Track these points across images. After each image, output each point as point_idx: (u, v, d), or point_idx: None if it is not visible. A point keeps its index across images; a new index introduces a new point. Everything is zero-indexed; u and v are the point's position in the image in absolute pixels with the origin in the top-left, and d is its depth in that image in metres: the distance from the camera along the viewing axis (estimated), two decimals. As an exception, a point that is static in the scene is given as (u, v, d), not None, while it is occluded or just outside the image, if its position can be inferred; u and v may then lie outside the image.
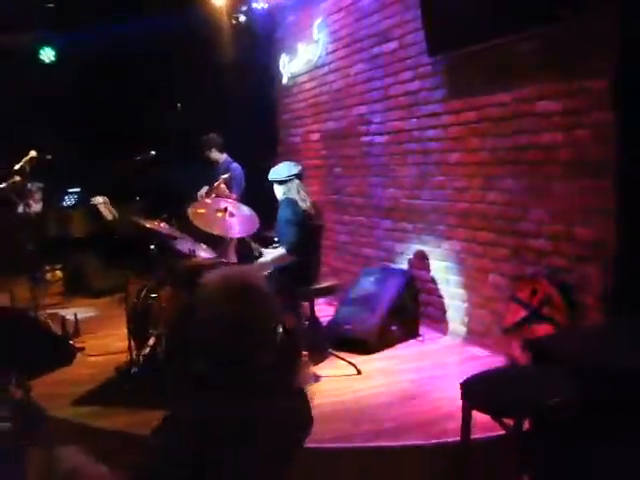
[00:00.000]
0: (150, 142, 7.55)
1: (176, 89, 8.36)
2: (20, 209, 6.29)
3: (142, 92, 8.37)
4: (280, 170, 5.01)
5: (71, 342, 5.62)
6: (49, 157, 7.20)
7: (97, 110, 8.59)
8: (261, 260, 4.87)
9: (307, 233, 4.84)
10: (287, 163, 5.11)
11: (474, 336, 5.22)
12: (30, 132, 8.08)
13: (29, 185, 8.79)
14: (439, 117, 5.38)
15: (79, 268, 8.02)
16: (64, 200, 8.67)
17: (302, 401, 1.95)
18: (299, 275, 4.75)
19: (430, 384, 4.42)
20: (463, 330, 5.35)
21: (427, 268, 5.71)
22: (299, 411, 1.91)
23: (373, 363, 4.96)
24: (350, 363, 4.78)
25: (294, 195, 4.89)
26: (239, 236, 5.21)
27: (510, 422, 2.73)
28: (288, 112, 8.27)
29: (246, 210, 5.49)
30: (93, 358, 5.37)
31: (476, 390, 2.85)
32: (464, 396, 2.81)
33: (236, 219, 5.32)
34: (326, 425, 3.88)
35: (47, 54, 9.07)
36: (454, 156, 5.26)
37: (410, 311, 5.53)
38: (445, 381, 4.41)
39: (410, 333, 5.46)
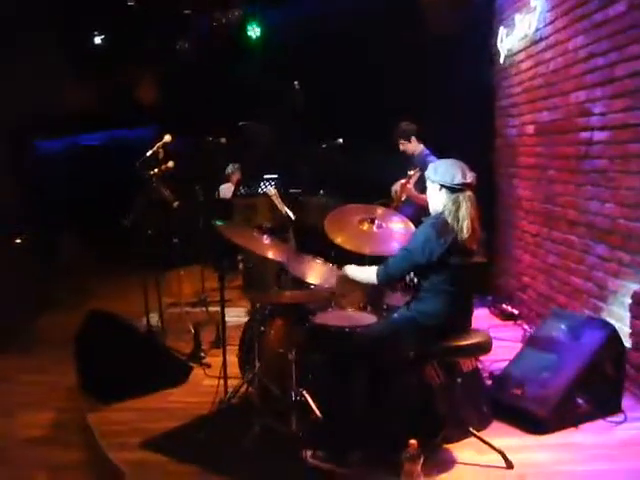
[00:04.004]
0: (342, 128, 6.69)
1: (375, 67, 7.30)
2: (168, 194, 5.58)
3: (338, 72, 7.45)
4: (449, 171, 3.40)
5: (183, 360, 4.97)
6: (223, 140, 6.58)
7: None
8: (341, 272, 3.77)
9: (449, 272, 3.38)
10: (459, 164, 3.43)
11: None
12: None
13: (229, 168, 8.45)
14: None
15: (259, 263, 7.32)
16: (258, 186, 8.07)
17: None
18: (436, 326, 3.40)
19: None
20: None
21: (645, 320, 4.11)
22: None
23: (538, 452, 3.54)
24: (496, 450, 3.42)
25: (453, 216, 3.35)
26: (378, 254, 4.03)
27: None
28: (505, 97, 6.79)
29: (402, 225, 4.28)
30: (209, 381, 4.64)
31: None
32: None
33: (384, 232, 4.21)
34: None
35: (253, 30, 8.51)
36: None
37: (609, 379, 3.96)
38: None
39: (604, 409, 3.90)
